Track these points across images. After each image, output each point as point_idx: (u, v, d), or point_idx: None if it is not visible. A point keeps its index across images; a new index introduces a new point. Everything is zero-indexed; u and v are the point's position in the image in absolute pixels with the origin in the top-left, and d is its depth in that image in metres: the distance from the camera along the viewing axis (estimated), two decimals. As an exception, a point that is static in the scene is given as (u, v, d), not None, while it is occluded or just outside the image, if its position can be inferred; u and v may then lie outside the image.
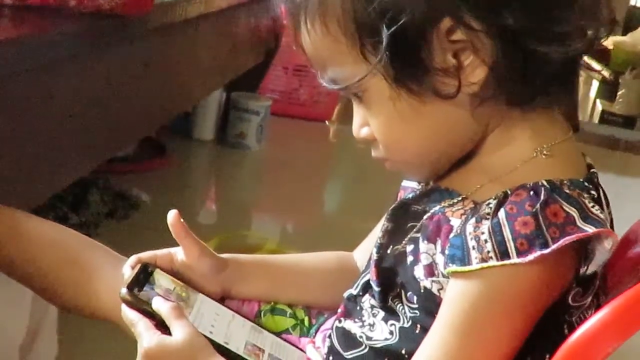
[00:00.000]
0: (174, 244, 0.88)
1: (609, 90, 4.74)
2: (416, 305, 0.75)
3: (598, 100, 4.74)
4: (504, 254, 0.64)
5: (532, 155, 0.70)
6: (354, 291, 0.84)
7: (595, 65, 4.81)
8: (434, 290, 0.72)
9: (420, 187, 0.80)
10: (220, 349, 0.79)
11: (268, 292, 0.92)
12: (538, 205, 0.64)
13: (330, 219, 2.69)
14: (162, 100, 1.88)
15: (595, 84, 4.87)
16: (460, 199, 0.72)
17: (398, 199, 0.83)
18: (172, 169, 2.76)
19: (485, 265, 0.65)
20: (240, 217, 2.57)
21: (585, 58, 0.75)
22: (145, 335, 0.77)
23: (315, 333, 0.89)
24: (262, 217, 2.72)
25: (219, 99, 3.07)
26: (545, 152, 0.70)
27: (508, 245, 0.64)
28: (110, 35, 1.45)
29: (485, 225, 0.66)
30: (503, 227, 0.65)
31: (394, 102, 0.70)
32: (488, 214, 0.66)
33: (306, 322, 0.92)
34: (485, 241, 0.65)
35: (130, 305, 0.81)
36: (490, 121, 0.72)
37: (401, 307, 0.77)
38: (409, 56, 0.68)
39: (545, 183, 0.66)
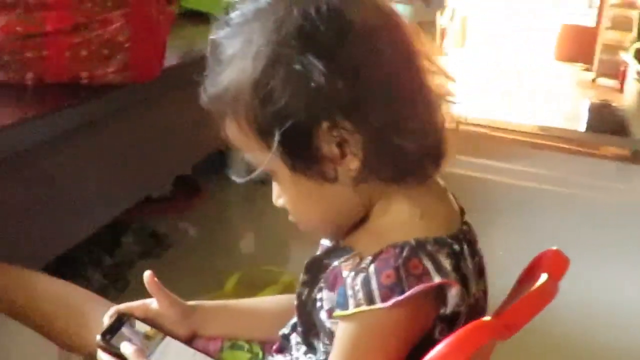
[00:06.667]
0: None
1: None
2: (328, 342, 0.91)
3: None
4: (371, 300, 0.81)
5: (408, 218, 0.86)
6: (286, 330, 1.02)
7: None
8: (334, 330, 0.88)
9: (330, 244, 0.96)
10: None
11: (228, 331, 1.10)
12: (400, 261, 0.80)
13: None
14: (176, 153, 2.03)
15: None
16: (353, 254, 0.89)
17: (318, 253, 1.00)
18: (207, 206, 2.91)
19: (358, 309, 0.81)
20: (275, 252, 2.66)
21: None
22: None
23: (267, 365, 1.06)
24: (298, 251, 2.84)
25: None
26: (419, 216, 0.86)
27: (374, 293, 0.80)
28: (117, 102, 1.61)
29: (359, 278, 0.82)
30: (371, 279, 0.81)
31: (295, 184, 0.87)
32: (364, 268, 0.83)
33: (260, 356, 1.09)
34: (359, 290, 0.82)
35: (104, 349, 1.00)
36: (372, 195, 0.88)
37: (318, 343, 0.94)
38: (299, 149, 0.84)
39: (412, 241, 0.82)
